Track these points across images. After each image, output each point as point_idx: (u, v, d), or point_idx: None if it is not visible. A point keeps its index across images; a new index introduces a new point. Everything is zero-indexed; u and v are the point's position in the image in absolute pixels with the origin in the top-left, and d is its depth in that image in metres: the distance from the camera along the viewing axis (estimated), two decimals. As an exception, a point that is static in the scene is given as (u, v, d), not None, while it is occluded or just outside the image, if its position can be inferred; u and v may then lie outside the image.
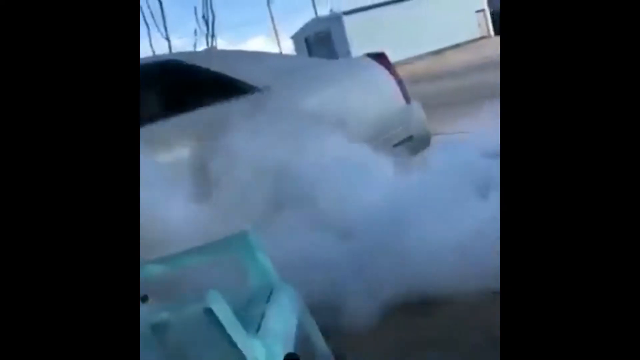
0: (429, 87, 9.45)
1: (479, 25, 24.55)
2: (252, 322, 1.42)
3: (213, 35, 17.20)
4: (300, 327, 1.59)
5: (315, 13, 27.01)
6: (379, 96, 3.16)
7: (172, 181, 2.52)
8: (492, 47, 12.51)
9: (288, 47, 26.96)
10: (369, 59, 3.32)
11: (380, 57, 3.29)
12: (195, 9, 17.18)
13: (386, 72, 3.22)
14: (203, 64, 3.08)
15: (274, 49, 25.41)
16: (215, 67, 3.05)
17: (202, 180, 2.58)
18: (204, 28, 17.09)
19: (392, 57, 3.45)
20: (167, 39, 17.28)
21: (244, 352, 1.26)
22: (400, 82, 3.23)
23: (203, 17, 17.11)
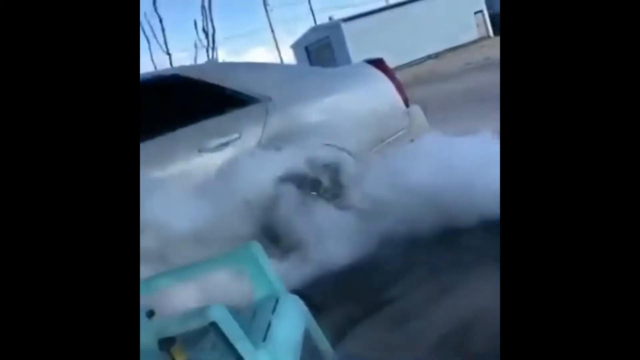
0: (431, 90, 9.46)
1: (478, 26, 24.55)
2: (258, 333, 1.43)
3: (213, 48, 17.28)
4: (306, 336, 1.59)
5: (315, 21, 27.13)
6: (378, 101, 3.17)
7: (175, 194, 2.53)
8: (492, 48, 12.51)
9: (289, 56, 27.07)
10: (367, 65, 3.33)
11: (378, 63, 3.30)
12: (195, 22, 17.28)
13: (385, 77, 3.23)
14: (203, 77, 3.10)
15: (275, 59, 25.52)
16: (216, 79, 3.07)
17: (206, 192, 2.58)
18: (205, 41, 17.16)
19: (393, 62, 3.47)
20: (168, 53, 17.38)
21: (250, 364, 1.26)
22: (399, 87, 3.24)
23: (203, 29, 17.21)
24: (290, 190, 2.70)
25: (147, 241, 1.76)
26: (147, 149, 2.39)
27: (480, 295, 2.05)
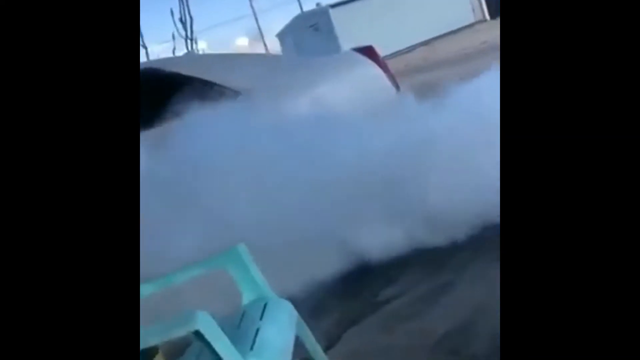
0: (425, 78, 9.46)
1: (474, 9, 24.60)
2: (246, 340, 1.43)
3: (192, 39, 17.10)
4: (297, 342, 1.59)
5: (301, 8, 27.05)
6: (368, 91, 3.16)
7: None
8: (489, 31, 12.53)
9: (275, 45, 26.96)
10: (356, 54, 3.33)
11: (368, 51, 3.30)
12: (171, 11, 17.00)
13: (375, 65, 3.23)
14: (182, 70, 3.09)
15: (260, 49, 25.42)
16: (195, 72, 3.06)
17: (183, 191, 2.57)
18: (183, 32, 16.97)
19: (384, 50, 3.46)
20: (144, 46, 17.19)
21: (237, 372, 1.27)
22: (390, 76, 3.24)
23: (180, 19, 17.00)
24: None
25: None
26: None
27: (478, 293, 2.07)
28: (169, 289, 1.86)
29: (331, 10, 23.47)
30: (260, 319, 1.55)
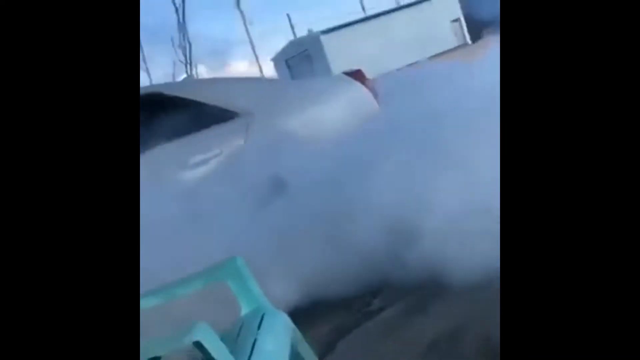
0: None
1: (456, 34, 24.92)
2: (244, 350, 1.42)
3: (191, 64, 17.26)
4: (294, 353, 1.58)
5: (294, 34, 27.25)
6: (357, 112, 3.20)
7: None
8: (470, 54, 12.68)
9: (270, 70, 27.08)
10: (345, 77, 3.37)
11: (357, 74, 3.35)
12: (172, 39, 17.20)
13: (364, 88, 3.27)
14: (181, 93, 3.11)
15: (256, 73, 25.51)
16: (194, 95, 3.08)
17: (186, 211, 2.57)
18: (182, 57, 17.14)
19: (373, 73, 3.51)
20: (147, 71, 17.33)
21: (236, 382, 1.26)
22: (377, 97, 3.28)
23: (180, 46, 17.18)
24: None
25: None
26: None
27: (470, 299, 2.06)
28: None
29: (322, 37, 23.66)
30: (258, 329, 1.54)
